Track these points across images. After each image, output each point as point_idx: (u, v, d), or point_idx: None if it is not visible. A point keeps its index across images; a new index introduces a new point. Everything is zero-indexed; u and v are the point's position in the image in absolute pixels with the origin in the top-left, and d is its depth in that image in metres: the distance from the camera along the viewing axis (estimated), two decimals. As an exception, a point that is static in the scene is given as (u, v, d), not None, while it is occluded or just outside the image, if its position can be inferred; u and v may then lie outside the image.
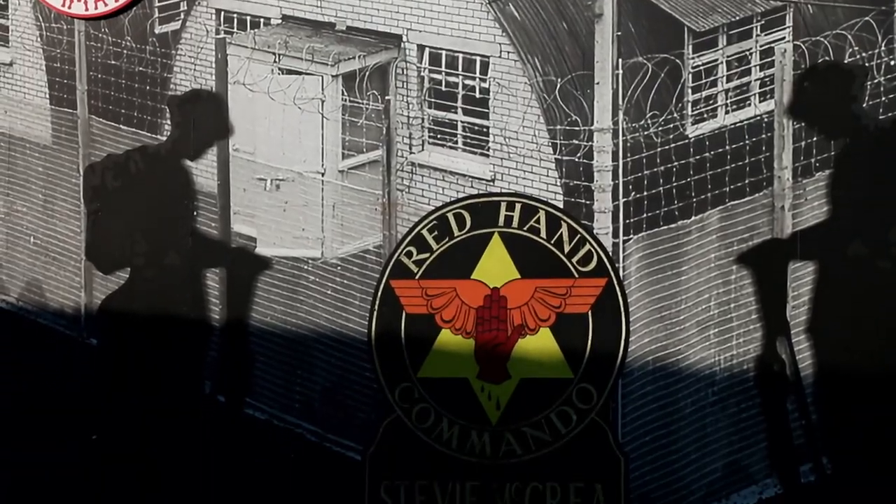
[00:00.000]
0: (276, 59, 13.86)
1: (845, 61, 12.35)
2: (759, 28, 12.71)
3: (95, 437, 14.06)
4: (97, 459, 14.26)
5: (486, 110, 13.20)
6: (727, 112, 12.66)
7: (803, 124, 12.50)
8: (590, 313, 12.84)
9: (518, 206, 13.03)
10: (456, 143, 13.36)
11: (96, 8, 14.35)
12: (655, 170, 12.76)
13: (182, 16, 14.29)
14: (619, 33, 12.80)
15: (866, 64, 12.37)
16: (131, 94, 14.39)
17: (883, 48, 12.41)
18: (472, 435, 13.09)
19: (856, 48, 12.38)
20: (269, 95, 13.78)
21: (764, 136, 12.59)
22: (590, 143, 12.86)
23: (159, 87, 14.24)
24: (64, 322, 14.65)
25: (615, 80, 12.75)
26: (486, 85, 13.24)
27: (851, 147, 12.44)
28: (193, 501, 14.00)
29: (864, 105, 12.35)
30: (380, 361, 13.39)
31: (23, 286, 14.89)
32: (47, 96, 14.83)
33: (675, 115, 12.65)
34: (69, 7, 14.47)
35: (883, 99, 12.44)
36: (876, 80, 12.33)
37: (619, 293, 12.83)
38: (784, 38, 12.58)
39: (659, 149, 12.70)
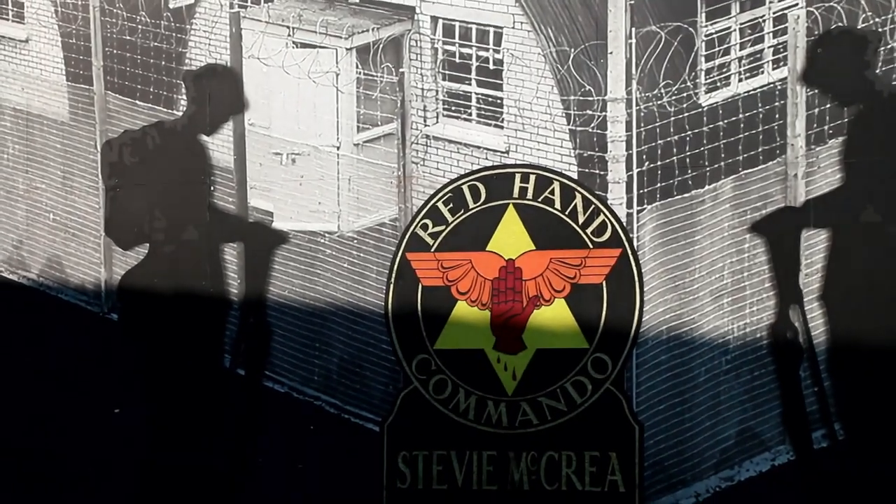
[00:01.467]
0: (290, 33, 13.98)
1: (858, 27, 12.45)
2: None
3: (118, 411, 14.26)
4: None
5: (500, 82, 13.35)
6: (740, 80, 12.79)
7: (816, 91, 12.63)
8: (604, 284, 12.98)
9: (532, 178, 13.17)
10: (470, 115, 13.52)
11: None
12: (669, 139, 12.89)
13: None
14: (633, 2, 12.86)
15: (880, 29, 12.45)
16: (147, 69, 14.57)
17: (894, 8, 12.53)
18: (488, 405, 13.26)
19: (869, 13, 12.43)
20: (283, 69, 13.96)
21: (777, 104, 12.71)
22: (603, 114, 13.01)
23: (174, 63, 14.44)
24: (84, 298, 14.89)
25: (628, 50, 12.87)
26: (499, 56, 13.36)
27: (865, 113, 12.54)
28: (217, 471, 14.18)
29: (878, 71, 12.50)
30: (396, 334, 13.56)
31: (43, 262, 15.08)
32: (63, 72, 14.99)
33: (689, 84, 12.79)
34: None
35: (887, 67, 12.66)
36: (889, 46, 12.46)
37: (633, 263, 12.97)
38: (797, 3, 12.59)
39: (672, 118, 12.84)
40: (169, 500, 14.54)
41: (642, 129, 13.01)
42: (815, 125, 12.76)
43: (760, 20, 12.92)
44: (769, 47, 12.95)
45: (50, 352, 14.86)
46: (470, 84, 13.64)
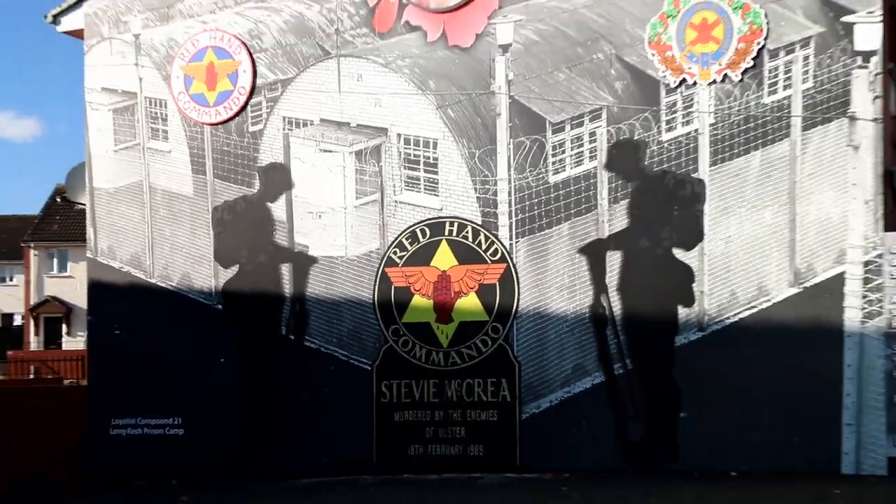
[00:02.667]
0: (318, 143, 15.79)
1: (634, 138, 14.31)
2: (587, 119, 14.54)
3: (223, 360, 16.09)
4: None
5: (436, 170, 15.17)
6: (571, 168, 14.56)
7: (613, 174, 14.46)
8: (497, 284, 14.92)
9: (456, 224, 15.08)
10: (420, 188, 15.31)
11: (216, 118, 16.23)
12: (531, 201, 14.73)
13: (263, 121, 16.08)
14: (511, 124, 14.76)
15: (646, 139, 14.28)
16: (236, 165, 16.26)
17: (656, 131, 14.26)
18: (432, 353, 15.20)
19: (641, 130, 14.30)
20: (314, 164, 15.79)
21: (592, 180, 14.47)
22: (495, 187, 14.88)
23: (252, 162, 16.16)
24: (203, 296, 16.39)
25: (508, 151, 14.77)
26: (436, 155, 15.17)
27: (638, 187, 14.37)
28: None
29: (645, 162, 14.33)
30: (380, 313, 15.42)
31: (180, 276, 16.57)
32: (190, 168, 16.51)
33: (542, 169, 14.64)
34: (201, 118, 16.37)
35: (655, 159, 14.35)
36: (652, 149, 14.31)
37: (513, 272, 14.84)
38: (600, 125, 14.43)
39: (533, 189, 14.72)
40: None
41: (516, 195, 14.83)
42: (612, 193, 14.44)
43: (582, 134, 14.57)
44: (587, 149, 14.55)
45: (183, 326, 16.38)
46: (419, 171, 15.30)
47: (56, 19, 17.36)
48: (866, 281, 13.75)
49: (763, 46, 14.16)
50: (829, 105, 13.98)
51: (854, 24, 13.82)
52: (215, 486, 15.68)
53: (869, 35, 13.72)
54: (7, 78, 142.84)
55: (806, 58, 14.10)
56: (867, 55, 13.74)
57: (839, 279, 13.93)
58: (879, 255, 13.74)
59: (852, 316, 13.84)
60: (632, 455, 14.82)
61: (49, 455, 16.34)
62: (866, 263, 13.74)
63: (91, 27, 17.26)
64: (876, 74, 13.85)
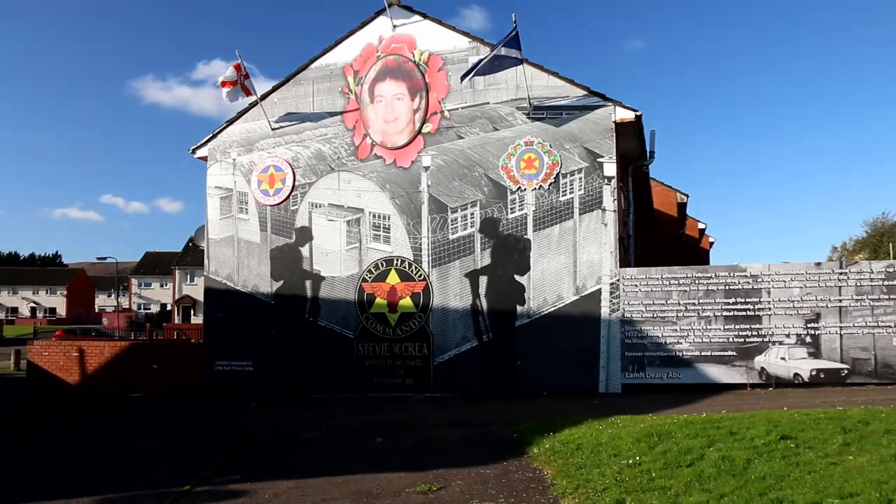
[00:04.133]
0: (327, 216, 16.75)
1: (494, 216, 15.42)
2: (469, 206, 15.68)
3: (274, 330, 16.70)
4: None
5: (389, 231, 16.21)
6: (461, 231, 15.70)
7: (482, 235, 15.50)
8: (421, 292, 15.92)
9: (400, 260, 16.08)
10: (381, 240, 16.31)
11: (273, 202, 17.12)
12: (442, 246, 15.79)
13: (298, 204, 16.96)
14: (429, 207, 15.83)
15: (500, 218, 15.43)
16: (283, 227, 17.03)
17: (505, 213, 15.44)
18: (387, 329, 16.10)
19: (497, 213, 15.41)
20: (325, 227, 16.70)
21: (473, 237, 15.60)
22: (420, 241, 15.91)
23: (291, 225, 16.90)
24: (264, 296, 16.88)
25: (427, 224, 15.88)
26: (388, 223, 16.22)
27: (496, 242, 15.37)
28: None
29: (500, 229, 15.38)
30: (358, 307, 16.30)
31: (252, 285, 17.04)
32: (258, 228, 17.20)
33: (445, 232, 15.74)
34: (265, 202, 17.21)
35: (505, 228, 15.43)
36: (503, 222, 15.41)
37: (431, 286, 15.85)
38: (476, 209, 15.62)
39: (441, 241, 15.76)
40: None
41: (431, 246, 15.86)
42: (482, 245, 15.61)
43: (470, 213, 15.68)
44: (471, 222, 15.65)
45: (253, 312, 16.96)
46: (380, 231, 16.33)
47: (194, 151, 18.05)
48: (612, 292, 14.88)
49: (559, 172, 15.29)
50: (592, 202, 15.12)
51: (603, 162, 15.09)
52: (269, 399, 15.86)
53: (610, 168, 15.06)
54: (171, 177, 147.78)
55: (581, 178, 15.19)
56: (609, 178, 15.06)
57: (598, 292, 15.01)
58: (618, 280, 14.88)
59: (605, 311, 14.95)
60: (492, 384, 15.44)
61: (185, 377, 17.53)
62: (612, 284, 14.90)
63: (211, 155, 17.86)
64: (613, 189, 15.06)
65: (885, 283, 14.11)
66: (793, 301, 14.33)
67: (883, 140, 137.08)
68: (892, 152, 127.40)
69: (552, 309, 15.43)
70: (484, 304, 15.80)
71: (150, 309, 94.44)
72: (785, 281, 14.43)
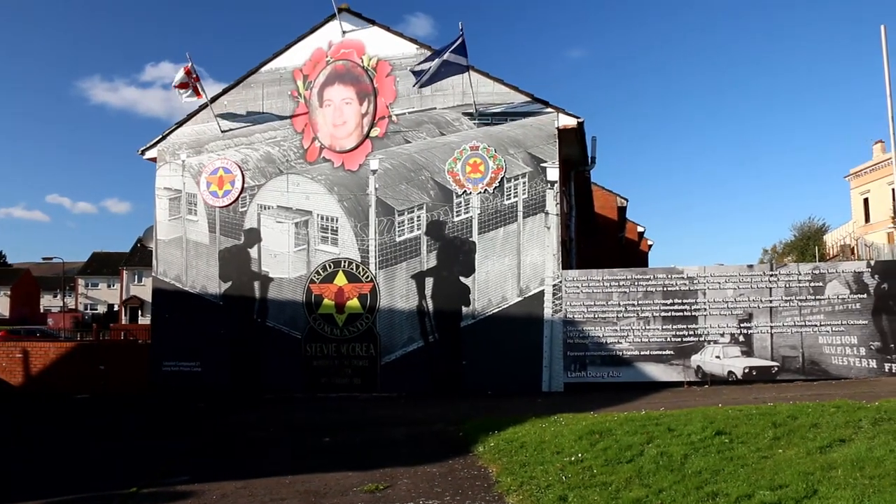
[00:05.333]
0: (275, 218, 16.49)
1: (440, 219, 15.40)
2: (416, 209, 15.63)
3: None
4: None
5: (337, 233, 16.06)
6: (407, 234, 15.65)
7: (428, 238, 15.44)
8: (368, 293, 15.79)
9: (347, 261, 15.95)
10: (328, 242, 16.14)
11: (222, 204, 16.84)
12: (386, 250, 15.70)
13: (247, 206, 16.70)
14: (376, 210, 15.72)
15: (446, 220, 15.44)
16: (232, 228, 16.77)
17: (451, 216, 15.45)
18: (334, 330, 15.94)
19: (443, 216, 15.41)
20: (273, 229, 16.49)
21: (418, 241, 15.51)
22: (367, 243, 15.81)
23: (240, 227, 16.63)
24: (213, 297, 16.60)
25: (375, 226, 15.78)
26: (336, 226, 16.07)
27: (442, 245, 15.34)
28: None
29: (445, 231, 15.36)
30: (306, 308, 16.09)
31: (201, 286, 16.66)
32: (207, 230, 16.89)
33: (392, 234, 15.63)
34: (214, 204, 16.91)
35: (450, 230, 15.42)
36: (448, 225, 15.41)
37: (377, 287, 15.74)
38: (423, 212, 15.57)
39: (388, 244, 15.67)
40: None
41: (378, 248, 15.76)
42: (428, 247, 15.56)
43: (413, 216, 15.62)
44: (417, 225, 15.60)
45: (201, 312, 16.62)
46: (328, 233, 16.17)
47: (143, 152, 17.68)
48: (554, 294, 14.99)
49: (504, 176, 15.39)
50: (535, 206, 15.24)
51: (546, 168, 15.23)
52: (217, 400, 15.60)
53: (552, 173, 15.21)
54: (119, 178, 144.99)
55: (524, 183, 15.31)
56: (552, 183, 15.22)
57: (542, 293, 15.13)
58: (560, 281, 14.99)
59: (548, 312, 15.07)
60: (438, 384, 15.43)
61: (132, 378, 17.19)
62: (554, 286, 15.01)
63: (160, 156, 17.52)
64: (556, 193, 15.21)
65: (812, 284, 14.48)
66: (727, 302, 14.61)
67: (809, 147, 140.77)
68: (817, 159, 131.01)
69: (497, 310, 15.46)
70: (430, 305, 15.76)
71: (97, 309, 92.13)
72: (719, 282, 14.70)
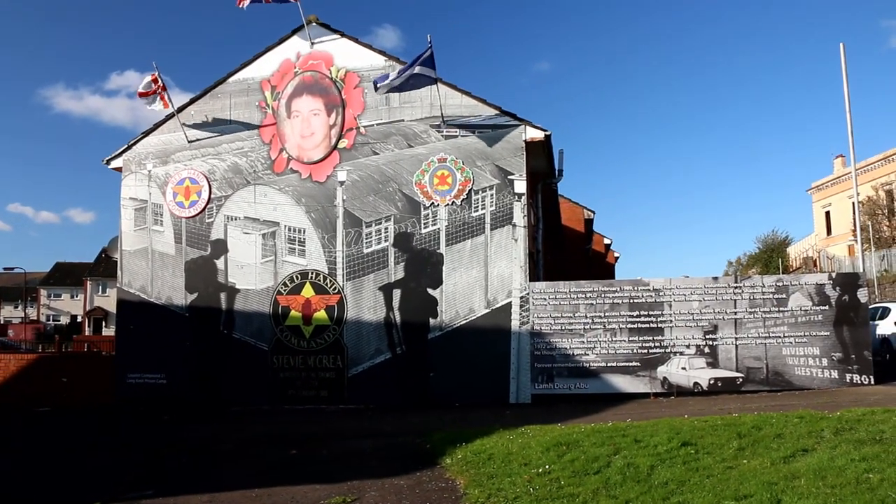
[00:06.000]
0: (242, 229, 16.36)
1: (408, 231, 15.34)
2: (384, 221, 15.56)
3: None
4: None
5: (304, 245, 15.95)
6: (375, 245, 15.58)
7: (396, 249, 15.37)
8: (336, 304, 15.68)
9: (315, 273, 15.85)
10: (296, 254, 16.01)
11: (188, 214, 16.69)
12: (354, 262, 15.61)
13: (214, 216, 16.56)
14: (344, 221, 15.62)
15: (413, 232, 15.36)
16: (199, 239, 16.62)
17: (419, 228, 15.39)
18: (301, 342, 15.81)
19: (411, 227, 15.36)
20: (240, 240, 16.34)
21: (385, 252, 15.46)
22: (335, 254, 15.73)
23: (207, 237, 16.50)
24: (179, 308, 16.44)
25: (342, 237, 15.71)
26: (303, 237, 15.96)
27: (409, 256, 15.27)
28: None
29: (413, 243, 15.31)
30: (273, 320, 15.94)
31: (166, 297, 16.51)
32: (174, 240, 16.73)
33: (360, 246, 15.56)
34: (180, 214, 16.74)
35: (418, 242, 15.34)
36: (416, 237, 15.34)
37: (345, 299, 15.64)
38: (390, 224, 15.50)
39: (356, 255, 15.58)
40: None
41: (346, 259, 15.69)
42: (396, 259, 15.49)
43: (384, 227, 15.60)
44: (384, 236, 15.52)
45: (167, 324, 16.40)
46: (295, 245, 16.06)
47: (108, 161, 17.51)
48: (522, 305, 14.98)
49: (471, 188, 15.42)
50: (503, 218, 15.26)
51: (514, 180, 15.27)
52: (184, 412, 15.50)
53: (520, 185, 15.26)
54: (83, 187, 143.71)
55: (492, 195, 15.34)
56: (519, 195, 15.26)
57: (509, 305, 15.10)
58: (527, 293, 14.98)
59: (515, 323, 15.04)
60: (405, 395, 15.36)
61: (95, 390, 17.03)
62: (522, 297, 15.00)
63: (126, 166, 17.35)
64: (523, 205, 15.25)
65: (776, 296, 14.64)
66: (692, 314, 14.73)
67: (773, 161, 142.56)
68: (780, 173, 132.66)
69: (464, 322, 15.44)
70: (397, 316, 15.70)
71: (59, 321, 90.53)
72: (685, 294, 14.81)
